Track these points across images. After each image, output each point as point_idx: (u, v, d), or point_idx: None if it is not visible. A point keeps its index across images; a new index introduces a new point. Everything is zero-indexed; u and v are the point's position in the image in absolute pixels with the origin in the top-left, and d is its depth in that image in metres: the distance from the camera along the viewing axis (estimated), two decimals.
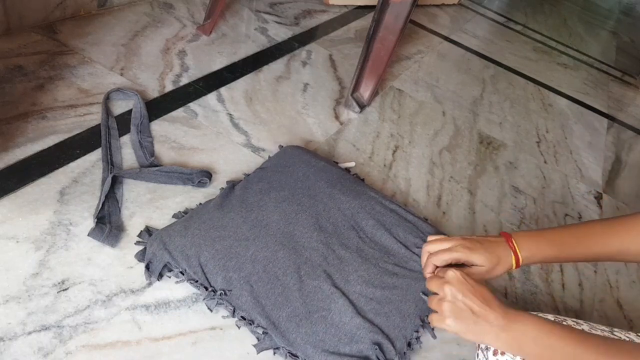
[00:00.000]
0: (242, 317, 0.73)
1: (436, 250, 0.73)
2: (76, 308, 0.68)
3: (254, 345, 0.71)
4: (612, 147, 1.67)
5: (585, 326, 0.64)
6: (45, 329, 0.65)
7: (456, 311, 0.63)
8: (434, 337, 0.81)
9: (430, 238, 0.76)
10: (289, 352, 0.70)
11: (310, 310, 0.74)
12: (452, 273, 0.65)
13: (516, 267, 0.73)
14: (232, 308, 0.73)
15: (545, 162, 1.43)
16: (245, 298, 0.73)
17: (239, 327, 0.73)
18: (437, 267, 0.73)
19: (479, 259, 0.70)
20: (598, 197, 1.37)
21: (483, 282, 0.66)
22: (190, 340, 0.70)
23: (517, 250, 0.71)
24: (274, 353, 0.72)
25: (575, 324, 0.64)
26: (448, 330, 0.63)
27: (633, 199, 1.43)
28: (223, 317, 0.74)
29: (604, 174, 1.50)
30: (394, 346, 0.74)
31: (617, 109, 1.97)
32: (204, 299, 0.74)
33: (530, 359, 0.59)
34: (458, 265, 0.73)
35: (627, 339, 0.63)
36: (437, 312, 0.64)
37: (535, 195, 1.28)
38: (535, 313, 0.66)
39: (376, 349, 0.72)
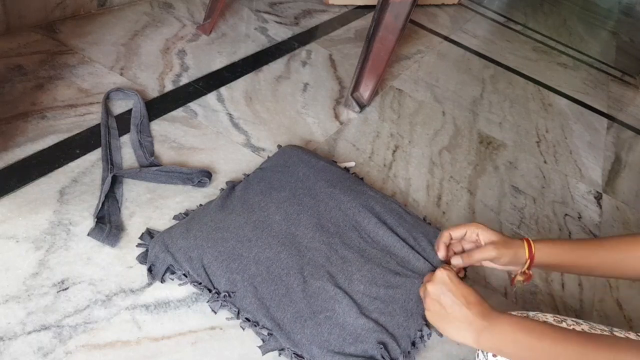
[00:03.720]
0: (246, 318, 0.73)
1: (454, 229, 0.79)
2: (76, 308, 0.68)
3: (259, 347, 0.71)
4: (611, 147, 1.67)
5: (585, 326, 0.64)
6: (45, 328, 0.65)
7: (435, 309, 0.66)
8: (440, 335, 0.80)
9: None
10: (294, 353, 0.70)
11: (315, 310, 0.74)
12: (439, 272, 0.68)
13: (530, 262, 0.73)
14: (236, 310, 0.73)
15: (545, 162, 1.43)
16: (249, 299, 0.73)
17: (243, 329, 0.73)
18: (450, 250, 0.79)
19: (493, 235, 0.74)
20: (598, 197, 1.37)
21: (477, 290, 0.68)
22: (190, 340, 0.70)
23: (532, 245, 0.73)
24: (279, 354, 0.72)
25: (575, 323, 0.64)
26: (438, 330, 0.67)
27: (633, 199, 1.43)
28: (227, 318, 0.74)
29: (604, 174, 1.50)
30: (398, 345, 0.74)
31: (617, 109, 1.97)
32: (208, 301, 0.74)
33: (510, 357, 0.59)
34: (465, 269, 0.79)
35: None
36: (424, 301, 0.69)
37: (535, 195, 1.28)
38: (534, 313, 0.66)
39: (381, 347, 0.72)
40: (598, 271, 0.73)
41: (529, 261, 0.73)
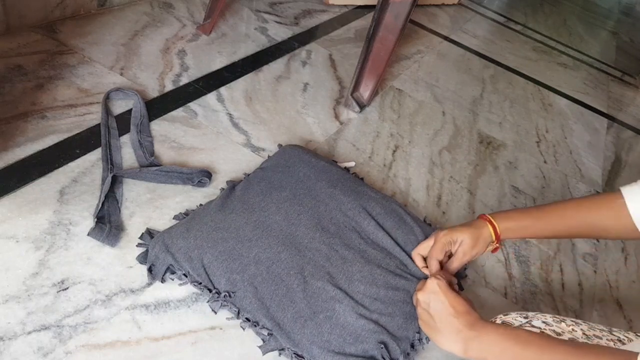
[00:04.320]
0: (246, 318, 0.73)
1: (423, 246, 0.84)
2: (76, 308, 0.68)
3: (260, 347, 0.71)
4: (611, 147, 1.67)
5: (583, 326, 0.64)
6: (45, 328, 0.65)
7: (425, 318, 0.69)
8: None
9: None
10: (294, 353, 0.70)
11: (315, 311, 0.74)
12: (430, 281, 0.70)
13: (497, 241, 0.78)
14: (236, 310, 0.73)
15: (545, 161, 1.44)
16: (249, 299, 0.73)
17: (243, 329, 0.73)
18: (441, 265, 0.81)
19: (460, 234, 0.77)
20: None
21: (470, 300, 0.70)
22: (190, 340, 0.70)
23: (494, 222, 0.77)
24: (280, 354, 0.72)
25: (574, 323, 0.64)
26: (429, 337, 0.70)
27: None
28: (227, 318, 0.74)
29: (604, 174, 1.50)
30: (398, 346, 0.74)
31: (616, 109, 1.97)
32: (208, 301, 0.74)
33: None
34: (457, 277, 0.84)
35: (626, 339, 0.63)
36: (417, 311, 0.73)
37: (535, 195, 1.28)
38: (534, 313, 0.66)
39: (382, 347, 0.72)
40: (565, 235, 0.78)
41: (496, 241, 0.78)
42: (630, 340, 0.63)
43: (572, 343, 0.59)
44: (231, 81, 1.24)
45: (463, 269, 0.95)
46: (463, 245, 0.78)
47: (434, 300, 0.68)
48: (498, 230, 0.77)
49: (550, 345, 0.57)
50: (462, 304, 0.66)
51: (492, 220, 0.78)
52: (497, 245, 0.80)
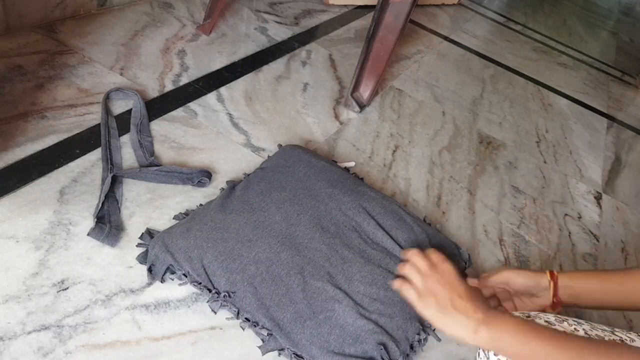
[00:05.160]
0: (246, 318, 0.73)
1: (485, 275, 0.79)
2: (76, 308, 0.68)
3: (259, 347, 0.71)
4: (611, 147, 1.67)
5: (585, 326, 0.64)
6: (45, 328, 0.65)
7: (432, 297, 0.64)
8: (438, 339, 0.81)
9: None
10: (294, 353, 0.70)
11: (315, 311, 0.74)
12: (445, 264, 0.67)
13: (554, 287, 0.73)
14: (236, 310, 0.73)
15: (545, 162, 1.43)
16: (249, 299, 0.73)
17: (243, 329, 0.73)
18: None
19: (522, 278, 0.75)
20: (598, 197, 1.37)
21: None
22: (190, 339, 0.70)
23: (556, 275, 0.74)
24: (279, 354, 0.72)
25: (576, 323, 0.64)
26: (422, 314, 0.65)
27: (633, 199, 1.43)
28: (227, 318, 0.74)
29: (604, 174, 1.50)
30: (398, 347, 0.74)
31: (616, 109, 1.97)
32: (208, 301, 0.74)
33: (508, 354, 0.58)
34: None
35: (628, 339, 0.63)
36: (415, 291, 0.67)
37: (535, 195, 1.28)
38: (535, 313, 0.66)
39: (381, 349, 0.72)
40: (629, 302, 0.70)
41: (553, 285, 0.73)
42: (633, 340, 0.62)
43: (586, 338, 0.58)
44: (231, 81, 1.24)
45: (463, 268, 0.95)
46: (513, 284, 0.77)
47: (447, 282, 0.65)
48: (556, 275, 0.74)
49: (565, 338, 0.56)
50: (473, 291, 0.64)
51: (556, 274, 0.75)
52: (556, 299, 0.74)
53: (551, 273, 0.74)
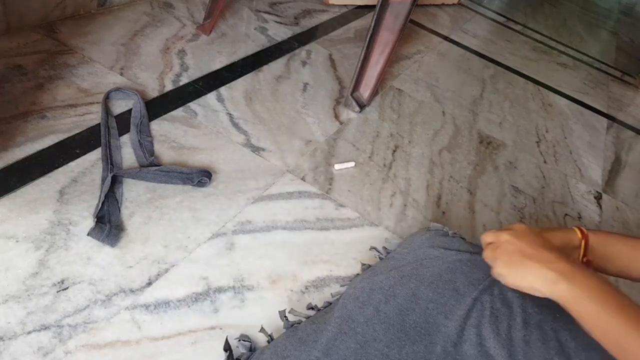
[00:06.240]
0: None
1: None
2: (76, 308, 0.68)
3: None
4: (611, 147, 1.67)
5: None
6: (45, 328, 0.65)
7: (506, 254, 0.59)
8: None
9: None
10: None
11: None
12: (519, 223, 0.62)
13: (585, 244, 0.66)
14: None
15: (545, 162, 1.43)
16: None
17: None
18: None
19: (552, 238, 0.67)
20: (598, 197, 1.37)
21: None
22: (189, 339, 0.70)
23: (586, 233, 0.67)
24: None
25: None
26: (502, 280, 0.59)
27: (633, 199, 1.43)
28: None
29: (604, 174, 1.50)
30: None
31: (616, 109, 1.97)
32: None
33: (582, 316, 0.52)
34: None
35: None
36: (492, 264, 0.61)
37: (535, 195, 1.28)
38: None
39: None
40: None
41: (584, 243, 0.66)
42: None
43: None
44: (231, 81, 1.24)
45: None
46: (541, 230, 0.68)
47: (521, 236, 0.59)
48: (585, 231, 0.67)
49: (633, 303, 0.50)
50: (552, 243, 0.59)
51: (585, 232, 0.68)
52: (586, 259, 0.68)
53: (581, 230, 0.67)
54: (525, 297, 0.60)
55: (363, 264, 0.88)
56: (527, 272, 0.56)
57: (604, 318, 0.50)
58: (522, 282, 0.56)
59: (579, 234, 0.67)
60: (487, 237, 0.64)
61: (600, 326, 0.51)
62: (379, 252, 0.90)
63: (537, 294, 0.56)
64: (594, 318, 0.51)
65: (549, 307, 0.58)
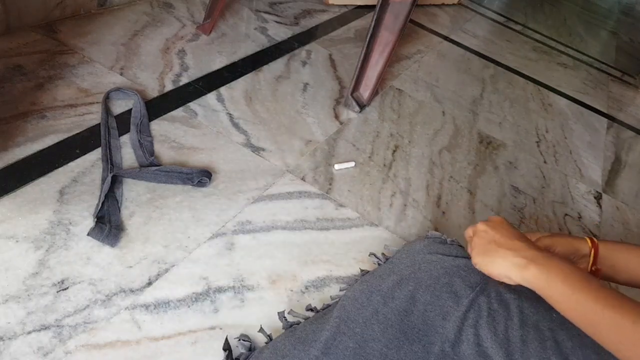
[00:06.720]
0: None
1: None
2: (76, 307, 0.68)
3: None
4: (611, 147, 1.67)
5: None
6: (45, 328, 0.65)
7: (481, 244, 0.62)
8: None
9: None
10: None
11: None
12: (495, 217, 0.66)
13: (594, 254, 0.69)
14: None
15: (545, 162, 1.43)
16: None
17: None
18: None
19: (560, 245, 0.71)
20: (598, 197, 1.37)
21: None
22: (189, 339, 0.70)
23: (597, 242, 0.69)
24: None
25: None
26: (478, 268, 0.62)
27: (633, 199, 1.44)
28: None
29: (604, 174, 1.50)
30: None
31: (616, 109, 1.97)
32: None
33: (553, 298, 0.55)
34: None
35: None
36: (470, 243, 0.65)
37: (535, 195, 1.28)
38: None
39: None
40: None
41: (593, 252, 0.69)
42: None
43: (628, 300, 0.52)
44: (231, 81, 1.24)
45: None
46: (549, 235, 0.73)
47: (496, 227, 0.63)
48: (597, 245, 0.69)
49: (621, 301, 0.50)
50: (525, 236, 0.62)
51: (596, 241, 0.71)
52: (594, 268, 0.70)
53: (592, 240, 0.70)
54: (522, 298, 0.62)
55: (362, 270, 0.88)
56: (498, 259, 0.59)
57: (574, 297, 0.52)
58: (494, 269, 0.60)
59: (589, 243, 0.70)
60: (468, 232, 0.68)
61: (572, 306, 0.53)
62: (377, 258, 0.91)
63: (509, 281, 0.59)
64: (566, 299, 0.53)
65: (546, 308, 0.60)
